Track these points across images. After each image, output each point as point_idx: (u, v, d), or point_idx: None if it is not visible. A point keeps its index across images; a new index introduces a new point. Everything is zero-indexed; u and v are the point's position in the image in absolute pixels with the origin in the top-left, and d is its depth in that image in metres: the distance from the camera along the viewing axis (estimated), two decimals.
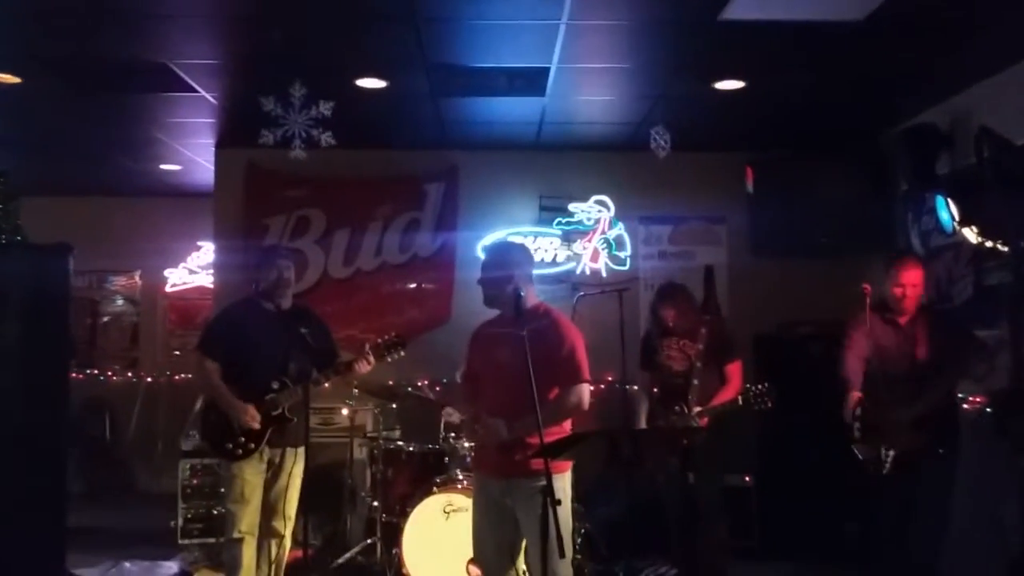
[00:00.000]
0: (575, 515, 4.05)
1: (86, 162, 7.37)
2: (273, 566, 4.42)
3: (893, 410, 4.22)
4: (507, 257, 3.72)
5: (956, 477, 4.30)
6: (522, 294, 3.46)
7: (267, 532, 4.42)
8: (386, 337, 4.52)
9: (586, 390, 3.58)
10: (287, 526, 4.44)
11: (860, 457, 4.36)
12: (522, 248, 3.95)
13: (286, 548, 4.48)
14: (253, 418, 4.24)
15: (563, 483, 3.51)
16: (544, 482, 3.09)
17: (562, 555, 3.05)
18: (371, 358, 4.44)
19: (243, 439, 4.28)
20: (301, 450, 4.31)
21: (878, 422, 4.26)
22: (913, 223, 5.75)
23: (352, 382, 5.47)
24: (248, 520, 4.32)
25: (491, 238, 6.68)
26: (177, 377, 8.42)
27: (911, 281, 4.35)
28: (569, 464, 3.61)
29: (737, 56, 4.74)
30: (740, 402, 4.68)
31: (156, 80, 5.11)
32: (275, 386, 4.30)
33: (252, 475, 4.33)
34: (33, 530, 4.27)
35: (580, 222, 6.68)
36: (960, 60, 4.71)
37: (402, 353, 4.54)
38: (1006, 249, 4.26)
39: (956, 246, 5.20)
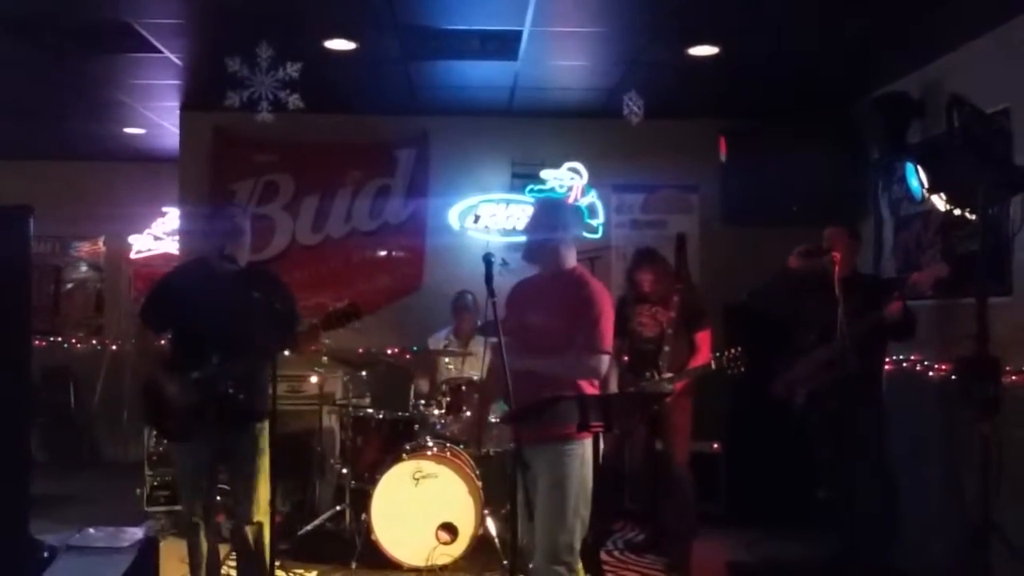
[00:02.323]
0: None
1: (48, 125, 7.21)
2: (254, 552, 4.01)
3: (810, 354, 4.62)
4: (552, 216, 3.66)
5: (882, 426, 4.65)
6: (562, 254, 3.55)
7: (240, 518, 4.03)
8: (337, 306, 3.97)
9: (605, 360, 3.48)
10: (259, 511, 3.99)
11: (777, 394, 4.76)
12: (568, 208, 3.86)
13: (265, 533, 4.01)
14: (182, 391, 3.83)
15: (583, 449, 3.45)
16: (570, 445, 3.35)
17: (530, 518, 3.12)
18: (319, 332, 3.92)
19: (182, 418, 3.87)
20: (260, 427, 3.99)
21: (797, 365, 4.69)
22: (884, 191, 5.80)
23: (321, 349, 5.43)
24: (195, 503, 4.02)
25: (464, 204, 6.64)
26: None
27: (832, 240, 4.68)
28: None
29: (711, 21, 4.71)
30: (713, 366, 4.74)
31: (119, 40, 5.00)
32: (215, 360, 3.82)
33: (196, 456, 3.97)
34: None
35: (552, 189, 6.64)
36: (932, 28, 4.73)
37: (357, 323, 3.99)
38: (974, 217, 4.29)
39: (926, 214, 5.24)
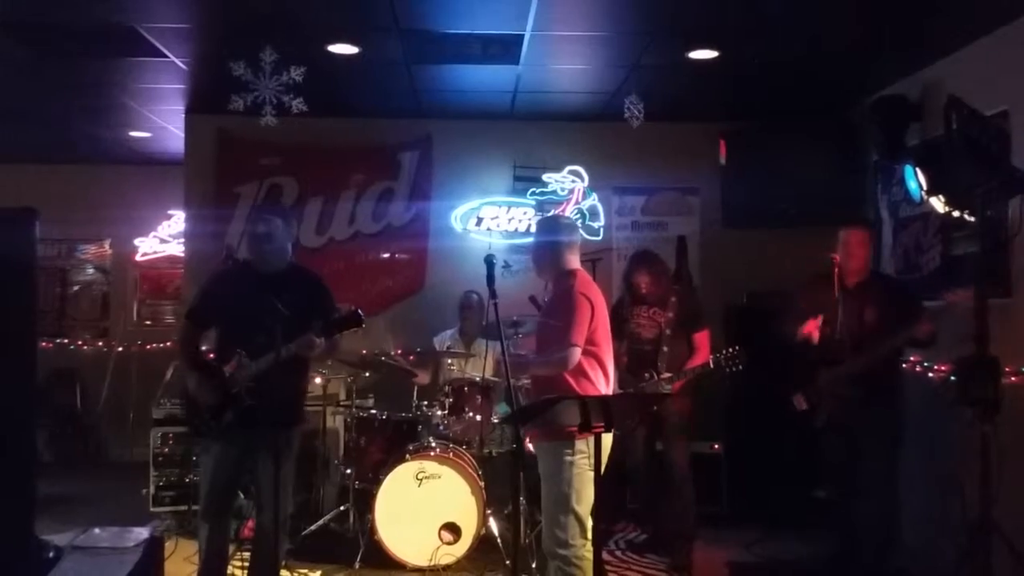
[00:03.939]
0: None
1: (54, 129, 7.26)
2: (272, 554, 3.97)
3: (833, 366, 4.48)
4: (543, 231, 4.01)
5: (897, 436, 4.54)
6: (557, 261, 3.82)
7: (266, 520, 3.98)
8: (337, 314, 3.95)
9: (570, 352, 3.57)
10: (283, 514, 3.95)
11: (796, 408, 4.63)
12: (559, 220, 4.29)
13: (274, 546, 3.96)
14: (199, 389, 3.88)
15: (578, 448, 3.55)
16: (566, 445, 3.51)
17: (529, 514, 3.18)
18: (319, 339, 3.85)
19: (206, 415, 3.91)
20: (295, 431, 4.02)
21: (818, 378, 4.54)
22: (883, 193, 5.82)
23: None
24: (210, 501, 4.01)
25: (467, 207, 6.68)
26: (148, 346, 8.38)
27: (855, 241, 4.58)
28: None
29: (711, 24, 4.73)
30: (712, 365, 4.76)
31: (124, 44, 5.04)
32: (251, 361, 3.84)
33: (217, 454, 3.96)
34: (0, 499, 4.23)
35: (554, 192, 6.68)
36: (931, 32, 4.75)
37: (358, 328, 3.94)
38: (973, 219, 4.31)
39: (925, 216, 5.27)
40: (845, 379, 4.45)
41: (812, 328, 4.49)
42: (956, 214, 4.54)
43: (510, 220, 6.66)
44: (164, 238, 8.59)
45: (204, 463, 4.08)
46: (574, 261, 3.86)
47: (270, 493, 3.89)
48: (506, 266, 6.38)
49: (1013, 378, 4.28)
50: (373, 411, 5.58)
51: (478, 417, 5.19)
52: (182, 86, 6.01)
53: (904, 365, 5.15)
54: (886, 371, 4.50)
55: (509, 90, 6.01)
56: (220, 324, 4.09)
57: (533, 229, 4.24)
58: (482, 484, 4.96)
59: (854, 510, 4.58)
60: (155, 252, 8.63)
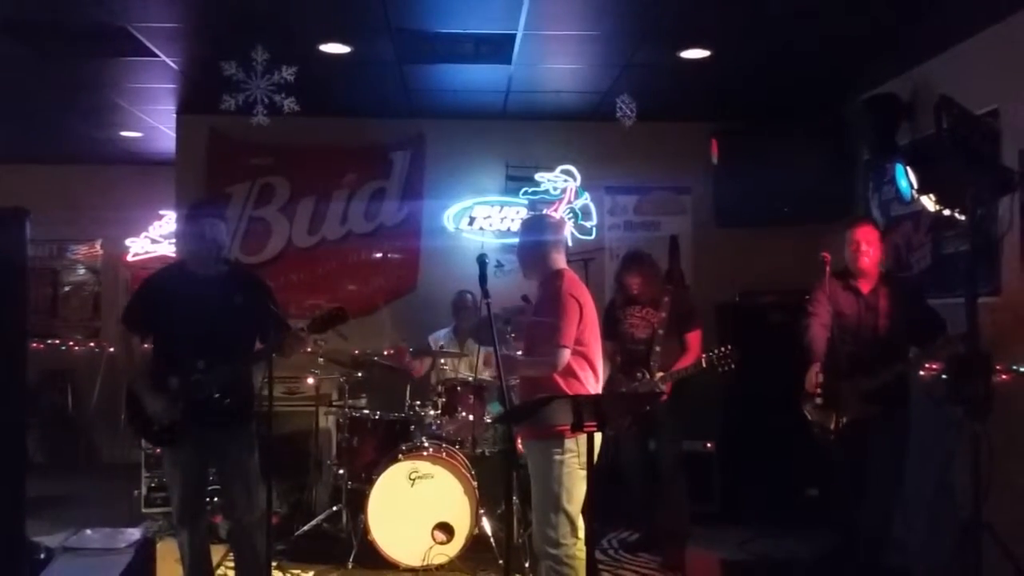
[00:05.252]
0: None
1: (45, 129, 7.24)
2: (254, 553, 3.96)
3: (850, 379, 4.32)
4: (529, 231, 3.93)
5: (906, 442, 4.44)
6: (544, 262, 3.78)
7: (239, 520, 4.00)
8: (324, 310, 3.95)
9: (559, 354, 3.56)
10: (256, 511, 3.94)
11: (810, 420, 4.50)
12: (545, 220, 4.19)
13: (258, 540, 3.94)
14: (165, 414, 3.80)
15: (569, 448, 3.53)
16: (556, 444, 3.48)
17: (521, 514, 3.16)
18: (306, 336, 3.91)
19: (166, 423, 3.84)
20: (247, 428, 4.00)
21: (833, 389, 4.37)
22: (874, 192, 5.84)
23: (316, 351, 5.46)
24: (184, 507, 3.97)
25: (459, 206, 6.68)
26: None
27: (865, 238, 4.42)
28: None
29: (702, 24, 4.74)
30: (704, 365, 4.75)
31: (116, 44, 5.03)
32: (200, 366, 3.78)
33: (184, 459, 3.92)
34: None
35: (546, 192, 6.69)
36: (922, 31, 4.77)
37: (342, 325, 3.97)
38: (963, 217, 4.32)
39: (915, 215, 5.29)
40: (859, 396, 4.30)
41: (813, 388, 4.40)
42: (947, 213, 4.53)
43: (503, 219, 6.67)
44: (155, 238, 8.55)
45: (170, 470, 4.01)
46: (560, 261, 3.83)
47: (243, 489, 3.94)
48: (499, 266, 6.36)
49: (1004, 376, 4.29)
50: (366, 411, 5.57)
51: (471, 417, 5.19)
52: (173, 86, 6.00)
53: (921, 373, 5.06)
54: (899, 383, 4.38)
55: (501, 89, 6.01)
56: (170, 329, 3.91)
57: (520, 230, 4.13)
58: (475, 484, 4.95)
59: (856, 508, 4.54)
60: (146, 252, 8.58)
